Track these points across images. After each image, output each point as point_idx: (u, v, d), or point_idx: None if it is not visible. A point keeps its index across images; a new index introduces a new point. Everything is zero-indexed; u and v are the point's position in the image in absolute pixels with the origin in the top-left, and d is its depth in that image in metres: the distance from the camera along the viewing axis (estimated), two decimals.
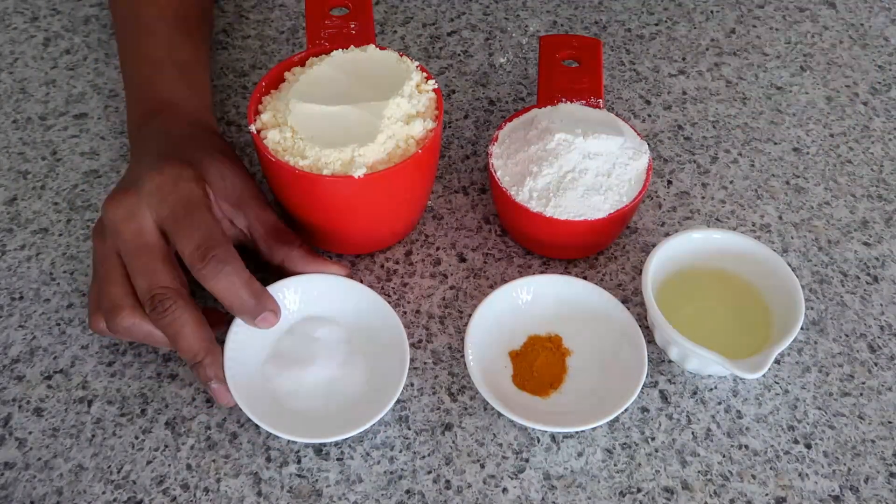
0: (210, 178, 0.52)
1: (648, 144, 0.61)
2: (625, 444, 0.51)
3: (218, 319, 0.52)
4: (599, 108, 0.60)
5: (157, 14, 0.63)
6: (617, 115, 0.63)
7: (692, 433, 0.51)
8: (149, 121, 0.57)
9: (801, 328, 0.55)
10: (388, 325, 0.52)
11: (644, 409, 0.52)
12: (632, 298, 0.57)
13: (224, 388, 0.49)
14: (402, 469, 0.49)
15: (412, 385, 0.53)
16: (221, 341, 0.50)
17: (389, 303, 0.52)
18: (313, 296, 0.53)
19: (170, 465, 0.49)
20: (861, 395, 0.53)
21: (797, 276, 0.53)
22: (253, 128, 0.53)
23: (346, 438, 0.50)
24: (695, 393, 0.53)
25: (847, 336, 0.56)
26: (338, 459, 0.50)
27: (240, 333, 0.51)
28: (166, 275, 0.49)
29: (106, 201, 0.50)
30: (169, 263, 0.49)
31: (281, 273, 0.53)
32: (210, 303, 0.54)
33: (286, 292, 0.52)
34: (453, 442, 0.51)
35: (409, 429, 0.51)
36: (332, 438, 0.48)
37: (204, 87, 0.62)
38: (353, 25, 0.59)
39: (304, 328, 0.52)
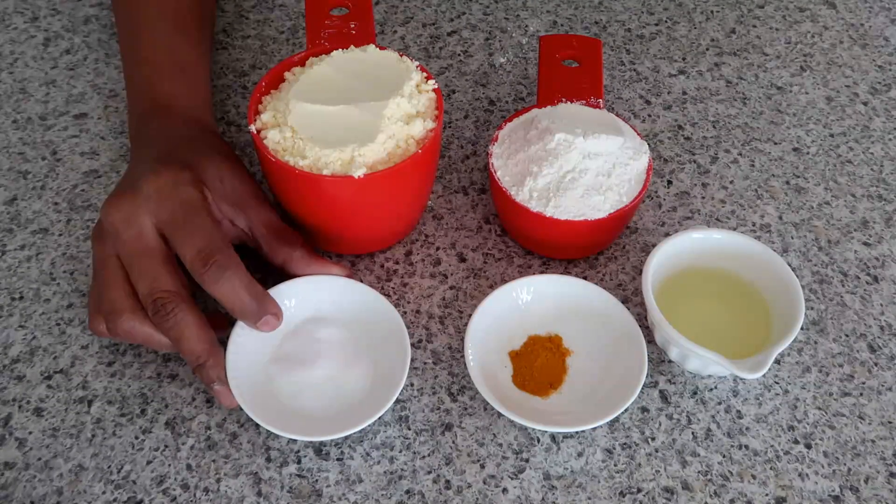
0: (208, 179, 0.52)
1: (648, 144, 0.61)
2: (625, 444, 0.51)
3: (220, 323, 0.52)
4: (599, 108, 0.60)
5: (157, 14, 0.63)
6: (617, 115, 0.63)
7: (692, 433, 0.51)
8: (148, 121, 0.57)
9: (801, 328, 0.55)
10: (389, 325, 0.52)
11: (644, 409, 0.52)
12: (632, 298, 0.57)
13: (226, 389, 0.49)
14: (402, 469, 0.49)
15: (412, 385, 0.53)
16: (224, 343, 0.50)
17: (389, 302, 0.52)
18: (315, 297, 0.53)
19: (170, 465, 0.49)
20: (861, 395, 0.53)
21: (797, 276, 0.53)
22: (253, 128, 0.53)
23: (347, 438, 0.50)
24: (695, 393, 0.53)
25: (847, 336, 0.56)
26: (338, 459, 0.50)
27: (242, 335, 0.51)
28: (167, 278, 0.49)
29: (104, 205, 0.50)
30: (170, 266, 0.49)
31: (282, 273, 0.53)
32: (211, 304, 0.54)
33: (288, 295, 0.52)
34: (453, 442, 0.51)
35: (409, 429, 0.51)
36: (331, 436, 0.48)
37: (203, 87, 0.62)
38: (353, 25, 0.59)
39: (306, 330, 0.52)
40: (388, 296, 0.57)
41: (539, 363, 0.53)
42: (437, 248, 0.60)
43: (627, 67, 0.72)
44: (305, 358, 0.51)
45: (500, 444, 0.51)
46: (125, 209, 0.50)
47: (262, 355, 0.51)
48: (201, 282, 0.48)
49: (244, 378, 0.49)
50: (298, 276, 0.53)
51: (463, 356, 0.53)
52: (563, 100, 0.60)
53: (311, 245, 0.55)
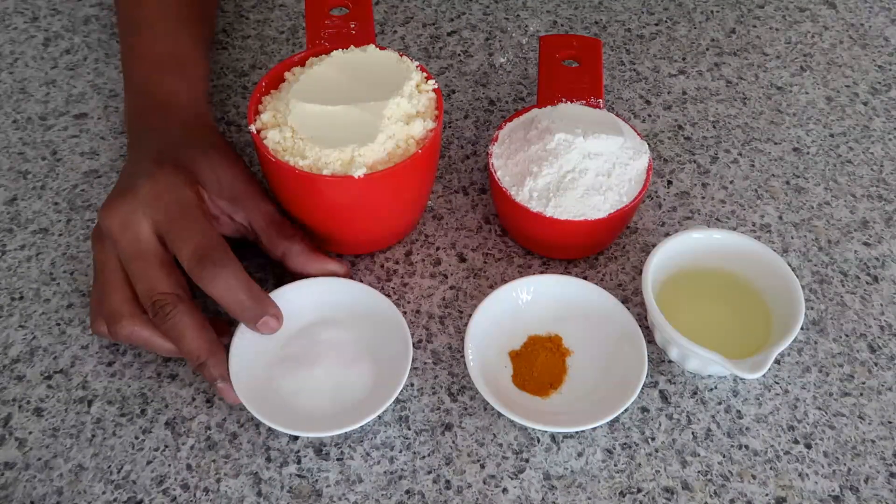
0: (203, 177, 0.52)
1: (648, 144, 0.61)
2: (625, 444, 0.51)
3: (221, 328, 0.52)
4: (599, 108, 0.60)
5: (157, 11, 0.63)
6: (617, 115, 0.63)
7: (692, 433, 0.51)
8: (145, 119, 0.58)
9: (801, 328, 0.55)
10: (391, 324, 0.52)
11: (644, 409, 0.52)
12: (632, 298, 0.57)
13: (229, 386, 0.49)
14: (402, 469, 0.49)
15: (412, 385, 0.53)
16: (226, 347, 0.50)
17: (391, 302, 0.52)
18: (318, 300, 0.53)
19: (170, 465, 0.49)
20: (861, 395, 0.53)
21: (797, 276, 0.53)
22: (253, 128, 0.53)
23: (347, 438, 0.50)
24: (695, 393, 0.53)
25: (847, 336, 0.56)
26: (338, 459, 0.50)
27: (244, 337, 0.51)
28: (166, 280, 0.49)
29: (102, 208, 0.51)
30: (168, 268, 0.49)
31: (281, 266, 0.53)
32: (212, 307, 0.54)
33: (290, 298, 0.52)
34: (453, 442, 0.51)
35: (409, 429, 0.51)
36: (332, 433, 0.48)
37: (202, 83, 0.62)
38: (353, 25, 0.59)
39: (309, 331, 0.52)
40: (388, 296, 0.57)
41: (539, 363, 0.53)
42: (437, 248, 0.60)
43: (627, 67, 0.72)
44: (308, 359, 0.51)
45: (500, 444, 0.51)
46: (122, 212, 0.50)
47: (265, 356, 0.51)
48: (198, 281, 0.48)
49: (246, 377, 0.49)
50: (297, 270, 0.53)
51: (463, 356, 0.53)
52: (563, 100, 0.60)
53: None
